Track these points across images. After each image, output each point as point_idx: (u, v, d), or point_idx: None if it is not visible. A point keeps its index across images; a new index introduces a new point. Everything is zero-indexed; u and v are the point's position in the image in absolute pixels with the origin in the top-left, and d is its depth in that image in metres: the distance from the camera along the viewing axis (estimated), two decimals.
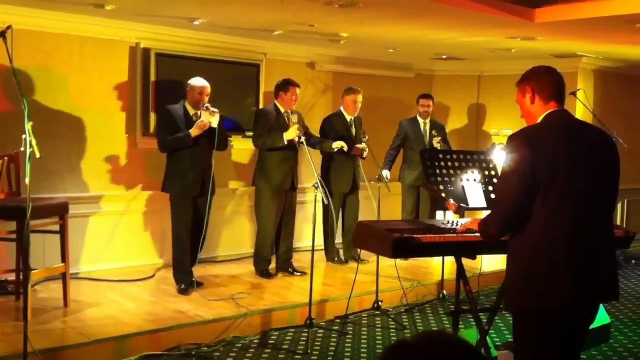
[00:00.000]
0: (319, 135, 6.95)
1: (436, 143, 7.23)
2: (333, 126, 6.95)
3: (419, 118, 7.59)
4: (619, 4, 5.20)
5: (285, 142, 6.20)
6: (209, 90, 5.86)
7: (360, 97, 6.98)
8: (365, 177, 6.59)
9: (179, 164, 5.79)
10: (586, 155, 2.87)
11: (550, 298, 2.80)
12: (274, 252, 6.67)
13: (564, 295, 2.79)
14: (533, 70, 3.05)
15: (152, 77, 6.65)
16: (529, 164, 2.79)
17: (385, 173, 7.34)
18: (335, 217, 7.13)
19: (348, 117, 7.01)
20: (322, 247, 7.26)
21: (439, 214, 7.30)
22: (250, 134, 6.82)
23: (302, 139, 5.81)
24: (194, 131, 5.66)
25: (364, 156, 6.85)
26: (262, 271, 6.54)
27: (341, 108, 7.10)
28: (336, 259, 7.22)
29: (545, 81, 2.98)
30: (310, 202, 5.53)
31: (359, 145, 6.80)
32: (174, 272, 5.93)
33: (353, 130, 7.02)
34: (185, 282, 5.85)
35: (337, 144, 6.65)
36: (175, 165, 5.81)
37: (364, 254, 6.82)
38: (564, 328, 2.86)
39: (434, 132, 7.41)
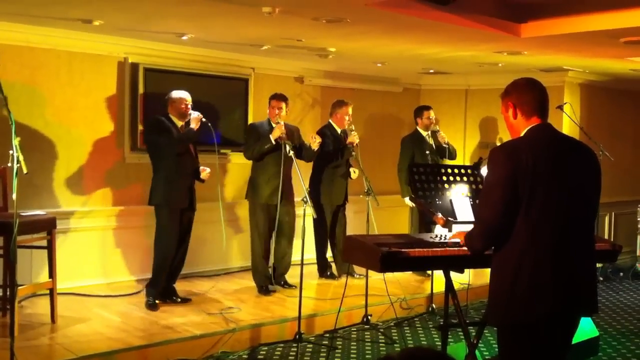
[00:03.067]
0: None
1: (441, 139, 7.34)
2: (328, 138, 6.93)
3: (421, 131, 7.51)
4: (604, 19, 5.25)
5: (273, 142, 6.17)
6: (190, 100, 5.93)
7: (350, 109, 7.01)
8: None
9: (167, 173, 5.80)
10: (567, 170, 2.88)
11: (533, 313, 2.81)
12: (270, 265, 6.62)
13: (547, 309, 2.80)
14: (514, 85, 3.03)
15: (141, 92, 6.66)
16: (510, 180, 2.80)
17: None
18: (328, 230, 7.12)
19: (339, 130, 7.03)
20: (315, 262, 7.26)
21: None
22: (240, 148, 6.84)
23: (291, 152, 5.80)
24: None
25: (352, 177, 6.94)
26: (261, 287, 6.47)
27: (330, 121, 7.12)
28: (328, 273, 7.21)
29: (527, 97, 2.97)
30: (300, 217, 5.53)
31: (352, 138, 6.80)
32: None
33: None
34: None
35: (314, 142, 6.49)
36: (163, 175, 5.81)
37: (358, 269, 6.83)
38: (548, 341, 2.87)
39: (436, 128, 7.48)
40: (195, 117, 5.79)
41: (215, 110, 7.15)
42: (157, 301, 5.81)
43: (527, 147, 2.87)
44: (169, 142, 5.72)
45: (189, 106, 5.87)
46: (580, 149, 3.02)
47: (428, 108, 7.59)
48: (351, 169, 6.99)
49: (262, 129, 6.38)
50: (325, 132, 6.99)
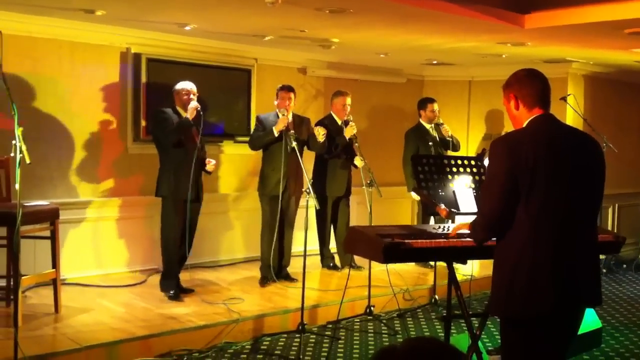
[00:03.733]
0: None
1: (445, 131, 7.30)
2: (327, 129, 6.90)
3: (424, 124, 7.47)
4: (608, 10, 5.23)
5: (276, 134, 6.20)
6: (195, 90, 5.91)
7: (349, 100, 6.98)
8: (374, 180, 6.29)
9: (173, 165, 5.79)
10: (570, 162, 2.86)
11: (534, 307, 2.80)
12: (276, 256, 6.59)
13: (548, 304, 2.79)
14: (515, 76, 3.02)
15: (143, 82, 6.65)
16: (510, 171, 2.79)
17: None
18: (330, 222, 7.12)
19: (339, 121, 7.01)
20: (318, 253, 7.26)
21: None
22: (242, 139, 6.88)
23: (294, 144, 5.80)
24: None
25: (358, 166, 6.88)
26: (265, 278, 6.48)
27: (331, 112, 7.11)
28: (331, 264, 7.20)
29: (528, 88, 2.95)
30: (302, 208, 5.53)
31: (348, 131, 6.78)
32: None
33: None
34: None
35: (318, 134, 6.50)
36: (169, 167, 5.81)
37: (359, 260, 6.83)
38: (549, 335, 2.86)
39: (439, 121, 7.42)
40: (191, 107, 5.77)
41: (218, 101, 7.14)
42: (171, 292, 5.82)
43: (529, 139, 2.85)
44: (164, 133, 5.73)
45: (191, 96, 5.85)
46: (583, 139, 2.99)
47: (432, 101, 7.54)
48: (357, 158, 6.93)
49: (267, 122, 6.36)
50: (325, 123, 6.96)
